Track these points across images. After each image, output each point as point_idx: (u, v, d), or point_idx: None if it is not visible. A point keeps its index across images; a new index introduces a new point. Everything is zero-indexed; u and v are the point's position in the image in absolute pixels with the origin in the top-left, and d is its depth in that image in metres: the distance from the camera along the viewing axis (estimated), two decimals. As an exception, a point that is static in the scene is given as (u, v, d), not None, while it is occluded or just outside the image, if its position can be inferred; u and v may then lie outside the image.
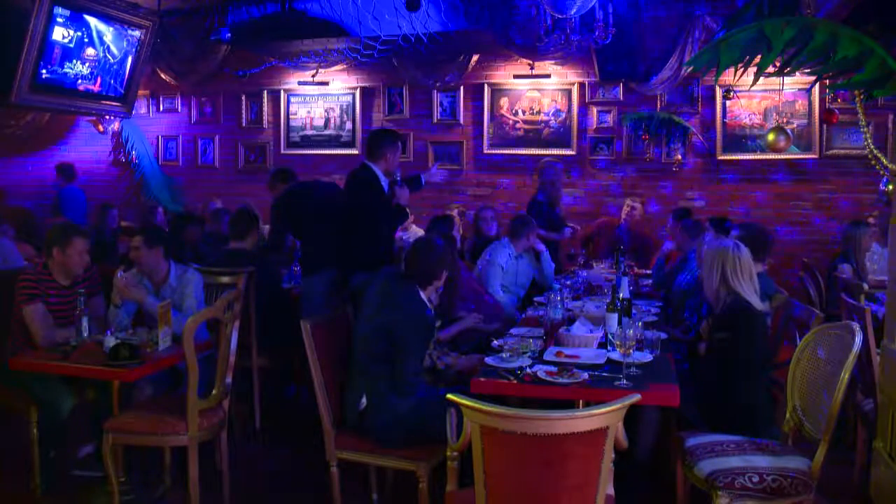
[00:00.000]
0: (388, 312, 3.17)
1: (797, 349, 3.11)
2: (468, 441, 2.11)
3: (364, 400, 3.15)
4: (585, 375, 2.91)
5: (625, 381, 2.85)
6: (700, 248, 4.17)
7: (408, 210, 4.92)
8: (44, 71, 6.74)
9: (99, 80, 7.42)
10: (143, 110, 8.59)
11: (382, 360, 3.11)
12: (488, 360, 3.15)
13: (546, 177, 6.30)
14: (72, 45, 6.94)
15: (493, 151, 7.63)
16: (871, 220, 5.96)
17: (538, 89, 7.50)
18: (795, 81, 6.41)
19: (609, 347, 3.27)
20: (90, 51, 7.16)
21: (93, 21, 7.05)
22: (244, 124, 8.35)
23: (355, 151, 7.97)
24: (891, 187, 5.07)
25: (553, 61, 7.29)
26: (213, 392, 3.45)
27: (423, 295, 3.32)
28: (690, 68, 6.47)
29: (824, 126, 6.80)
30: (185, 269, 4.14)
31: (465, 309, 4.35)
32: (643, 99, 7.23)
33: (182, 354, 3.28)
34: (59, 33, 6.73)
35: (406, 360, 3.12)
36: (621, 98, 7.32)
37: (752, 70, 3.06)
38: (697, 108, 7.14)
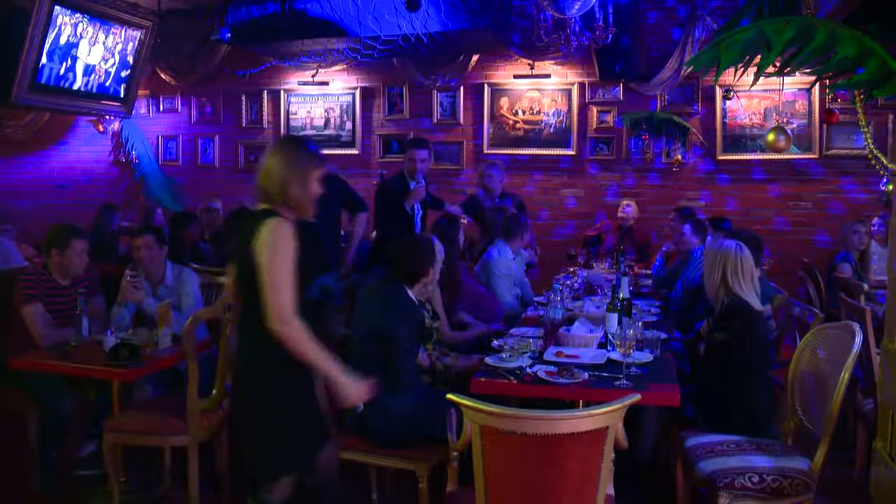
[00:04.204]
0: (378, 314, 3.19)
1: (797, 349, 3.12)
2: (468, 441, 2.11)
3: (360, 403, 3.14)
4: (585, 375, 2.91)
5: (625, 381, 2.85)
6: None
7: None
8: (44, 71, 6.74)
9: (99, 79, 7.42)
10: (143, 110, 8.59)
11: (376, 363, 3.11)
12: (488, 360, 3.15)
13: (484, 178, 6.21)
14: (72, 45, 6.93)
15: (493, 151, 7.62)
16: (875, 219, 5.93)
17: (538, 89, 7.49)
18: (795, 81, 6.40)
19: (609, 347, 3.27)
20: (90, 51, 7.16)
21: (93, 21, 7.04)
22: (244, 124, 8.35)
23: (355, 151, 7.97)
24: (891, 187, 5.06)
25: (553, 61, 7.28)
26: (213, 392, 3.45)
27: (411, 294, 3.35)
28: (690, 68, 6.47)
29: (824, 126, 6.79)
30: (181, 268, 4.18)
31: (464, 310, 4.35)
32: (643, 99, 7.23)
33: (182, 354, 3.28)
34: (59, 33, 6.73)
35: (399, 360, 3.13)
36: (621, 98, 7.31)
37: (752, 70, 3.06)
38: (697, 108, 7.14)
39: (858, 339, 2.75)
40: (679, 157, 7.14)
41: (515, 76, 7.50)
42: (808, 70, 3.11)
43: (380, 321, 3.15)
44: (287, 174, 2.48)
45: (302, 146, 2.60)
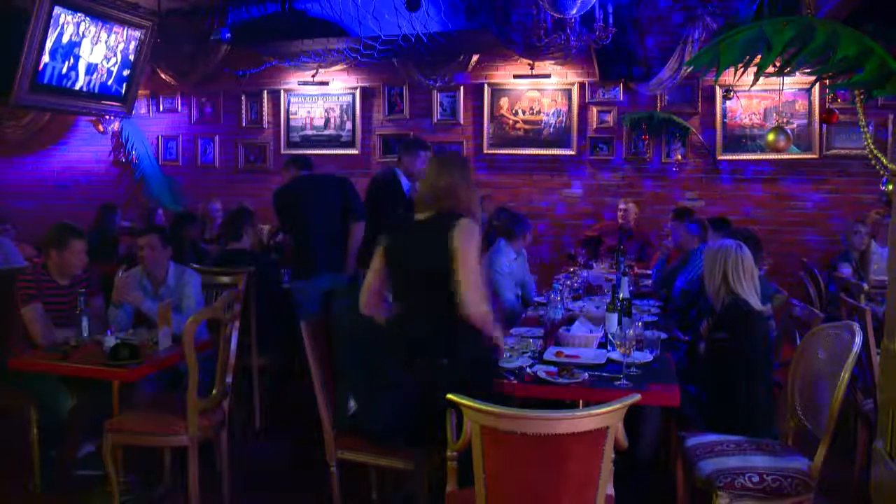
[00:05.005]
0: (363, 315, 3.18)
1: (797, 349, 3.11)
2: (468, 441, 2.11)
3: (352, 403, 3.14)
4: (585, 375, 2.91)
5: (625, 381, 2.85)
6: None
7: None
8: (46, 70, 6.74)
9: (99, 80, 7.42)
10: (143, 110, 8.58)
11: (366, 362, 3.10)
12: (488, 360, 3.15)
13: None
14: (74, 44, 6.93)
15: (493, 151, 7.63)
16: (875, 216, 5.93)
17: (538, 89, 7.49)
18: (795, 81, 6.41)
19: (609, 347, 3.26)
20: (90, 51, 7.16)
21: (93, 21, 7.04)
22: (244, 124, 8.35)
23: (355, 151, 7.97)
24: (891, 187, 5.07)
25: (553, 61, 7.28)
26: (213, 392, 3.45)
27: None
28: (690, 68, 6.47)
29: (824, 126, 6.80)
30: (183, 269, 4.16)
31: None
32: (643, 99, 7.23)
33: (182, 354, 3.28)
34: (62, 32, 6.73)
35: (387, 359, 3.12)
36: (621, 98, 7.31)
37: (752, 70, 3.06)
38: (697, 108, 7.14)
39: (858, 339, 2.75)
40: (679, 157, 7.14)
41: (515, 76, 7.50)
42: (808, 70, 3.10)
43: (366, 322, 3.15)
44: (463, 184, 2.94)
45: (465, 160, 3.35)
